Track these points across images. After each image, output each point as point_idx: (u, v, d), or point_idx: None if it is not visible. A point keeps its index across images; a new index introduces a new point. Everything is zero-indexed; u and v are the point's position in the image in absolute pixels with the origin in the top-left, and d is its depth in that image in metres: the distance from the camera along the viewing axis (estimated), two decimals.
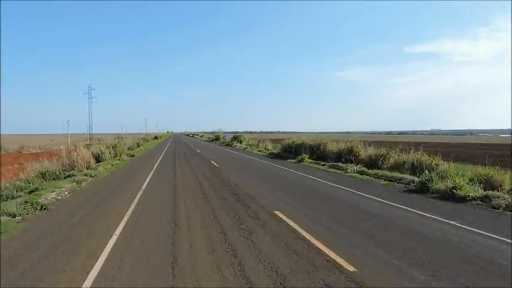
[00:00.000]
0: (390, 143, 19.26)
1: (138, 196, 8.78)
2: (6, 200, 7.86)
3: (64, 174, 12.17)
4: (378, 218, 6.56)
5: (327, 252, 4.52)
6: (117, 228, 5.80)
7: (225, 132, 57.66)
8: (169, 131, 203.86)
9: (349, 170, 13.37)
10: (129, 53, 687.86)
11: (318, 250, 4.63)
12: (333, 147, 17.90)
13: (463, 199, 7.94)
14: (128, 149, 26.07)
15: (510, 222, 6.20)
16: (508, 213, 6.79)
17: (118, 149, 19.75)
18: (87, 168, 13.24)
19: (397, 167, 12.44)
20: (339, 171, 14.10)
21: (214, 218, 6.55)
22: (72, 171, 12.37)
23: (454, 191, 8.19)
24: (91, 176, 12.06)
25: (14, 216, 6.40)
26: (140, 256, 4.47)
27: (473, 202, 7.74)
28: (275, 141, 32.80)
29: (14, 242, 5.16)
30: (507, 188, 8.25)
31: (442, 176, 9.74)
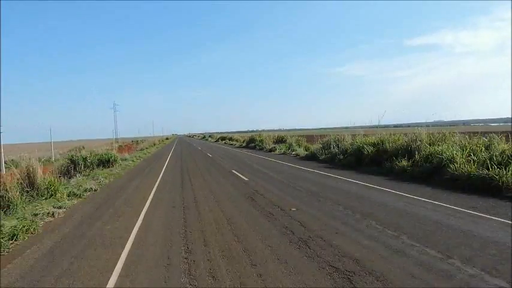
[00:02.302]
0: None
1: (174, 145, 47.69)
2: (144, 150, 45.74)
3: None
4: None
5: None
6: (172, 148, 43.61)
7: (210, 133, 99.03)
8: (174, 133, 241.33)
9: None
10: (138, 55, 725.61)
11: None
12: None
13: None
14: (162, 141, 64.67)
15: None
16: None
17: (159, 141, 58.26)
18: (156, 145, 51.37)
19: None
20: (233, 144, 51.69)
21: (189, 144, 44.52)
22: (153, 146, 50.30)
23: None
24: (160, 145, 50.15)
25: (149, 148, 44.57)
26: (175, 155, 42.42)
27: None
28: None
29: (154, 150, 43.29)
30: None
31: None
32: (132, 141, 65.01)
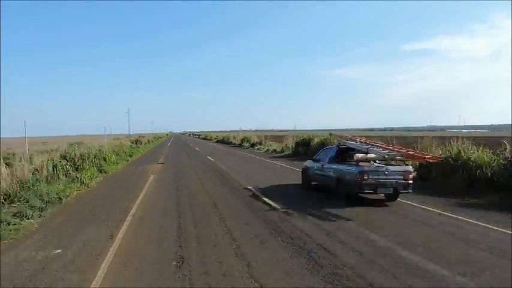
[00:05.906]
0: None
1: (171, 140, 71.91)
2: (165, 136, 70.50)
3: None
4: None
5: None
6: (170, 140, 68.60)
7: (196, 132, 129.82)
8: (170, 131, 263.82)
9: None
10: (138, 53, 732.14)
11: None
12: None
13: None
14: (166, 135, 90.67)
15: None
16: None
17: (165, 135, 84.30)
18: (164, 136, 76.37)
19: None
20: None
21: (179, 137, 69.55)
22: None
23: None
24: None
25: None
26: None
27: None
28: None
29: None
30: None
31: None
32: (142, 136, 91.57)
